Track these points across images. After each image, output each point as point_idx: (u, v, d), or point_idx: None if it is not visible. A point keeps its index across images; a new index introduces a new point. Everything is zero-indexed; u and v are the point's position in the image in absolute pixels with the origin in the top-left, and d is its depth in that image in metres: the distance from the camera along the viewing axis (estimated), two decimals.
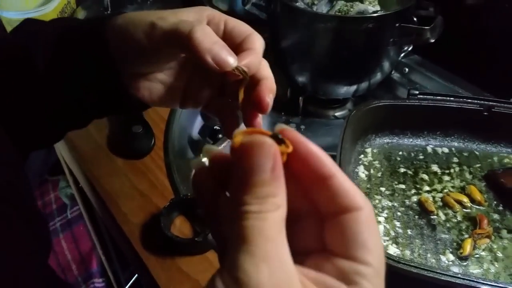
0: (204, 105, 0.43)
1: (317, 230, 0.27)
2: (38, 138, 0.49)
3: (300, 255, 0.25)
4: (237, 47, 0.37)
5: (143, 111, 0.75)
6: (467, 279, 0.50)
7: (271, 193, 0.23)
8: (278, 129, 0.26)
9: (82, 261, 1.30)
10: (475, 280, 0.50)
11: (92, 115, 0.47)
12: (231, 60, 0.34)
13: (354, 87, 0.85)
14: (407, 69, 0.98)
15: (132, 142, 0.73)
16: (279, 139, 0.25)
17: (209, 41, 0.35)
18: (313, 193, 0.26)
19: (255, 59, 0.36)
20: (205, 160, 0.28)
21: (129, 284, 1.34)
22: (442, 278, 0.50)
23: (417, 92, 0.76)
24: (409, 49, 0.94)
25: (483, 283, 0.50)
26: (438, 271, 0.51)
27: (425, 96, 0.77)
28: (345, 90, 0.85)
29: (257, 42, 0.37)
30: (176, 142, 0.79)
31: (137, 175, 0.71)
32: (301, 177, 0.26)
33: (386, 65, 0.84)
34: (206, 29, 0.35)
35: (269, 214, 0.23)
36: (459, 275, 0.51)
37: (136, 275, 1.35)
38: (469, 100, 0.76)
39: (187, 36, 0.35)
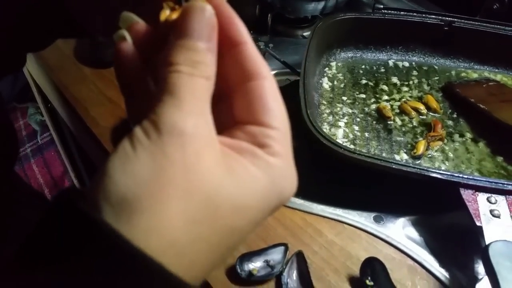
0: None
1: (228, 109, 0.27)
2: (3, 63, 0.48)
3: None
4: None
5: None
6: (417, 168, 0.54)
7: (204, 61, 0.23)
8: None
9: (55, 185, 1.32)
10: (425, 169, 0.54)
11: (46, 35, 0.45)
12: None
13: (321, 4, 0.86)
14: None
15: (98, 51, 0.73)
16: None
17: None
18: (225, 60, 0.26)
19: None
20: (126, 34, 0.26)
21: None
22: (393, 166, 0.54)
23: (381, 6, 0.78)
24: None
25: (432, 171, 0.54)
26: (390, 160, 0.54)
27: (389, 11, 0.79)
28: (313, 6, 0.86)
29: None
30: None
31: (105, 83, 0.71)
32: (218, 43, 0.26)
33: None
34: None
35: (201, 79, 0.23)
36: (410, 164, 0.55)
37: None
38: (431, 16, 0.78)
39: None
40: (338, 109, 0.71)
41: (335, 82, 0.76)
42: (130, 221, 0.20)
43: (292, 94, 0.58)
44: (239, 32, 0.26)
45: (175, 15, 0.25)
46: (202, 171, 0.21)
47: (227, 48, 0.26)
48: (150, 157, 0.21)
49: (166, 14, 0.26)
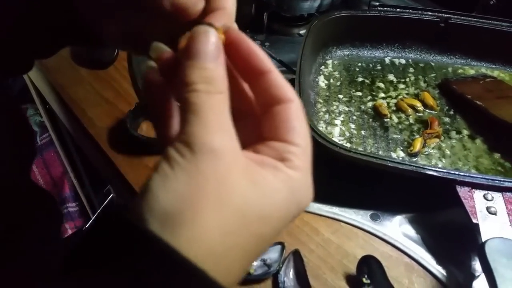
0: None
1: (255, 128, 0.30)
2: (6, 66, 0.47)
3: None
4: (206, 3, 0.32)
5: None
6: (413, 165, 0.54)
7: (216, 77, 0.26)
8: (223, 28, 0.28)
9: (55, 186, 1.32)
10: (422, 166, 0.54)
11: (55, 42, 0.45)
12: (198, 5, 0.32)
13: (317, 2, 0.85)
14: None
15: (95, 52, 0.73)
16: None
17: None
18: (253, 87, 0.30)
19: (227, 20, 0.31)
20: (155, 65, 0.29)
21: (102, 207, 1.37)
22: (389, 164, 0.54)
23: (377, 3, 0.78)
24: None
25: (428, 169, 0.54)
26: (386, 158, 0.55)
27: (385, 8, 0.79)
28: (309, 4, 0.86)
29: (229, 1, 0.32)
30: None
31: (102, 84, 0.72)
32: (243, 72, 0.30)
33: None
34: None
35: (217, 95, 0.25)
36: (407, 162, 0.56)
37: (109, 197, 1.39)
38: (427, 13, 0.78)
39: None
40: (334, 107, 0.71)
41: (331, 80, 0.76)
42: (173, 232, 0.22)
43: None
44: (262, 62, 0.28)
45: (184, 42, 0.27)
46: (231, 184, 0.24)
47: (253, 77, 0.29)
48: (186, 174, 0.23)
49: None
